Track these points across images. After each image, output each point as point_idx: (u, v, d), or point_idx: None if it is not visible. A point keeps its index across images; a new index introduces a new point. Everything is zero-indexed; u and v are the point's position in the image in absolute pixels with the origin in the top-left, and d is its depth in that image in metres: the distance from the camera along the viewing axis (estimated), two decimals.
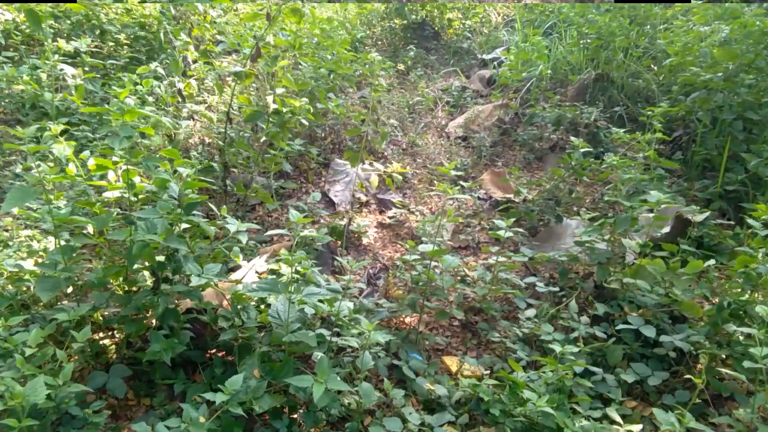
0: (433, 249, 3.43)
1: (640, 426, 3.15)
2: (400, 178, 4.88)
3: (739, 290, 3.31)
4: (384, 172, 5.14)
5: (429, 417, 3.08)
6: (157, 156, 3.17)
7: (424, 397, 3.30)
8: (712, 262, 3.47)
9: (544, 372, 3.01)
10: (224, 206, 3.41)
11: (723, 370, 3.00)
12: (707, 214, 4.25)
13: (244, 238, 2.97)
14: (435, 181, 5.64)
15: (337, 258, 4.57)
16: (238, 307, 3.23)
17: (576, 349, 2.98)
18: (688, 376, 3.44)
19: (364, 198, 5.34)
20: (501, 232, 3.81)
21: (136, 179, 3.03)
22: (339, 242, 4.77)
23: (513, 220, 4.00)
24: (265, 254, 4.20)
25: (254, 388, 2.80)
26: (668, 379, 3.38)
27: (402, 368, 3.38)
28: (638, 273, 4.07)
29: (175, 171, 3.09)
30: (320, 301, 2.99)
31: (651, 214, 4.03)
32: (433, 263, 3.70)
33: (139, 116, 3.21)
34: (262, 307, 3.45)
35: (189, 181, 2.89)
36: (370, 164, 5.35)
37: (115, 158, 3.08)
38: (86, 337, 2.53)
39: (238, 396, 2.70)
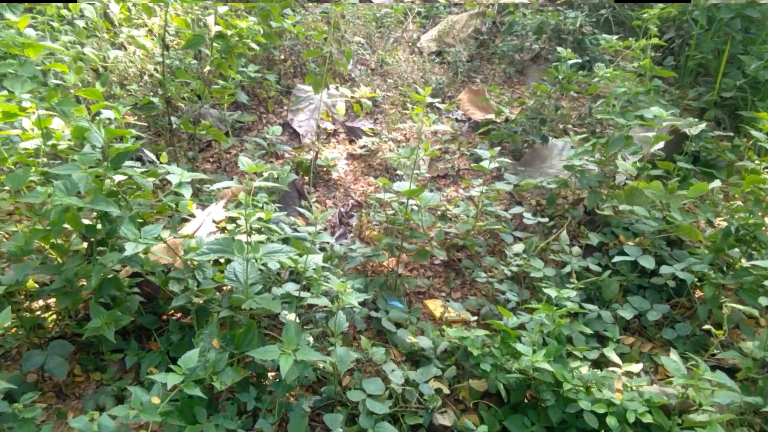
0: (410, 188, 3.03)
1: (640, 365, 2.92)
2: (370, 103, 4.39)
3: (747, 213, 3.00)
4: (351, 97, 4.63)
5: (413, 373, 2.80)
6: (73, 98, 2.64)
7: (407, 350, 3.01)
8: (717, 183, 3.14)
9: (538, 316, 2.71)
10: (170, 150, 2.93)
11: (734, 305, 2.73)
12: (704, 125, 3.88)
13: (187, 192, 2.53)
14: (408, 104, 5.15)
15: (304, 197, 4.15)
16: (192, 265, 2.84)
17: (572, 293, 2.68)
18: (689, 306, 3.20)
19: (331, 127, 4.85)
20: (485, 163, 3.41)
21: (60, 128, 2.53)
22: (306, 178, 4.34)
23: (497, 149, 3.59)
24: (224, 199, 3.76)
25: (213, 361, 2.46)
26: (668, 312, 3.13)
27: (381, 320, 3.07)
28: (631, 196, 3.74)
29: (98, 114, 2.58)
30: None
31: (646, 133, 3.64)
32: (411, 200, 3.31)
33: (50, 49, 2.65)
34: (222, 261, 3.06)
35: (112, 129, 2.39)
36: (336, 89, 4.82)
37: (26, 103, 2.56)
38: (6, 322, 2.13)
39: (195, 373, 2.36)
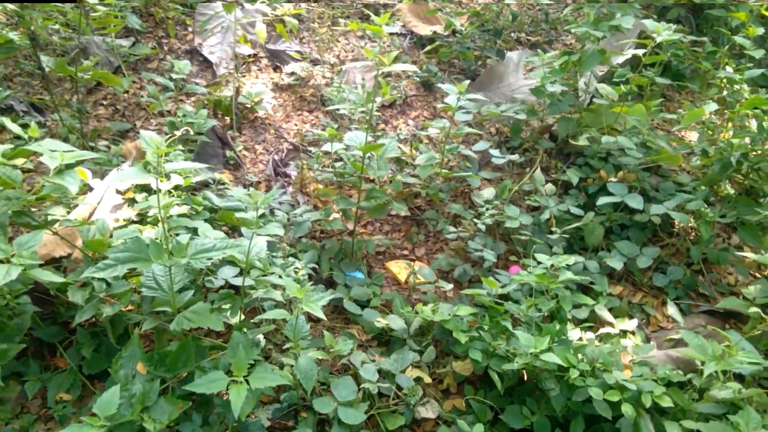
0: (367, 142, 2.44)
1: (634, 321, 2.64)
2: (295, 21, 3.62)
3: (747, 141, 2.64)
4: (272, 14, 3.83)
5: (387, 361, 2.37)
6: None
7: (376, 332, 2.57)
8: (712, 107, 2.74)
9: (529, 280, 2.30)
10: (49, 100, 2.16)
11: (748, 254, 2.42)
12: (673, 28, 3.43)
13: (73, 182, 1.84)
14: (340, 18, 4.38)
15: (228, 145, 3.46)
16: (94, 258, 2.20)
17: (569, 259, 2.27)
18: (676, 246, 2.90)
19: (249, 52, 4.05)
20: (451, 100, 2.84)
21: None
22: (228, 120, 3.61)
23: (466, 82, 3.02)
24: (128, 158, 3.02)
25: (141, 394, 1.92)
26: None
27: (343, 301, 2.58)
28: (598, 117, 3.33)
29: None
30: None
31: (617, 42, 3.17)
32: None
33: None
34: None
35: None
36: (252, 4, 3.98)
37: None
38: None
39: (120, 415, 1.82)
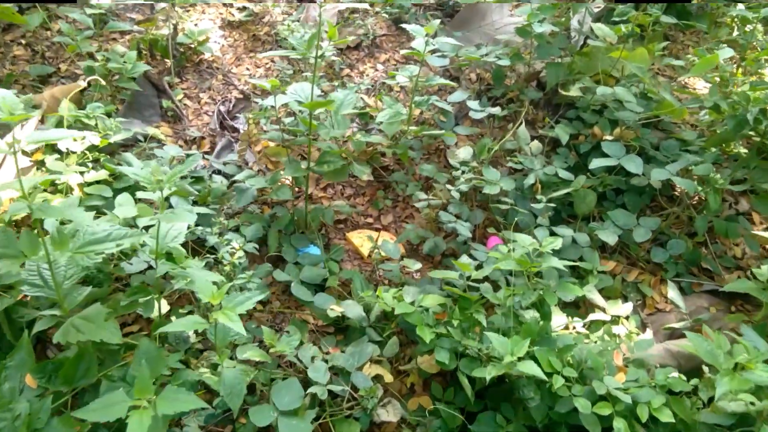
0: (313, 99, 1.99)
1: (629, 306, 2.30)
2: None
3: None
4: None
5: (341, 356, 2.02)
6: None
7: (331, 320, 2.21)
8: (728, 52, 2.31)
9: (506, 265, 1.92)
10: None
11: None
12: None
13: None
14: None
15: (166, 93, 2.98)
16: None
17: (556, 241, 1.88)
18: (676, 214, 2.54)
19: None
20: (418, 44, 2.37)
21: None
22: (167, 62, 3.11)
23: (436, 21, 2.55)
24: (36, 112, 2.54)
25: (27, 416, 1.55)
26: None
27: (292, 286, 2.20)
28: (592, 60, 2.89)
29: None
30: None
31: None
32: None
33: None
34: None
35: None
36: None
37: None
38: None
39: None
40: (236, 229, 2.34)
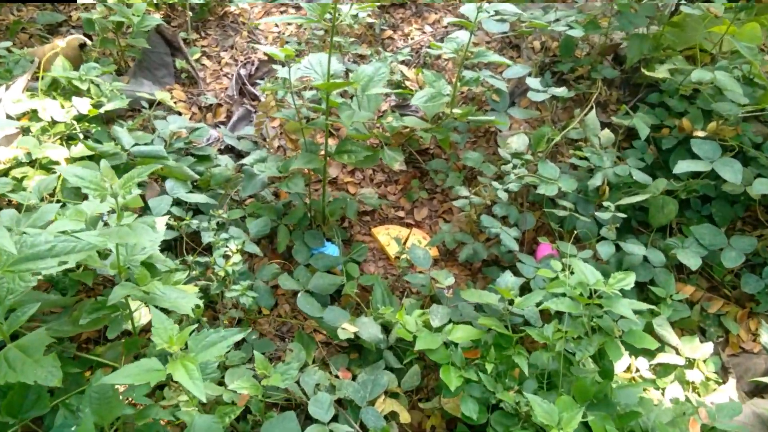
0: (329, 80, 1.60)
1: (709, 346, 1.88)
2: None
3: None
4: None
5: (351, 386, 1.69)
6: None
7: (343, 339, 1.87)
8: None
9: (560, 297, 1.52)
10: None
11: None
12: None
13: None
14: None
15: (180, 50, 2.63)
16: None
17: (628, 280, 1.46)
18: None
19: None
20: (468, 11, 1.91)
21: None
22: (189, 15, 2.75)
23: None
24: (27, 75, 2.24)
25: None
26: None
27: (299, 298, 1.86)
28: (684, 33, 2.36)
29: None
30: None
31: None
32: None
33: None
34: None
35: None
36: None
37: None
38: None
39: None
40: (242, 219, 2.01)
